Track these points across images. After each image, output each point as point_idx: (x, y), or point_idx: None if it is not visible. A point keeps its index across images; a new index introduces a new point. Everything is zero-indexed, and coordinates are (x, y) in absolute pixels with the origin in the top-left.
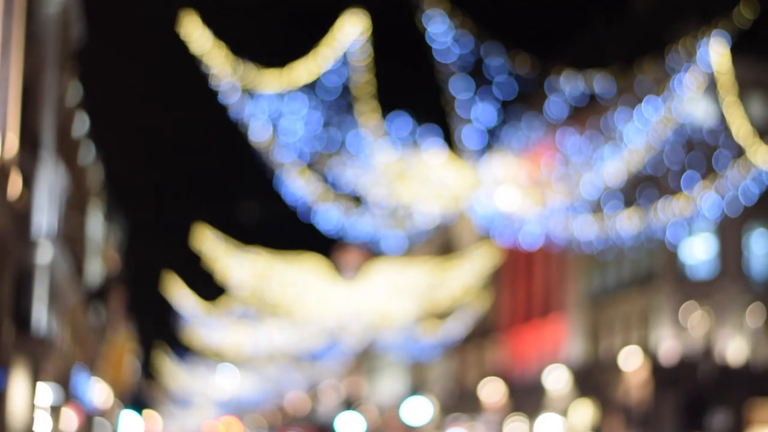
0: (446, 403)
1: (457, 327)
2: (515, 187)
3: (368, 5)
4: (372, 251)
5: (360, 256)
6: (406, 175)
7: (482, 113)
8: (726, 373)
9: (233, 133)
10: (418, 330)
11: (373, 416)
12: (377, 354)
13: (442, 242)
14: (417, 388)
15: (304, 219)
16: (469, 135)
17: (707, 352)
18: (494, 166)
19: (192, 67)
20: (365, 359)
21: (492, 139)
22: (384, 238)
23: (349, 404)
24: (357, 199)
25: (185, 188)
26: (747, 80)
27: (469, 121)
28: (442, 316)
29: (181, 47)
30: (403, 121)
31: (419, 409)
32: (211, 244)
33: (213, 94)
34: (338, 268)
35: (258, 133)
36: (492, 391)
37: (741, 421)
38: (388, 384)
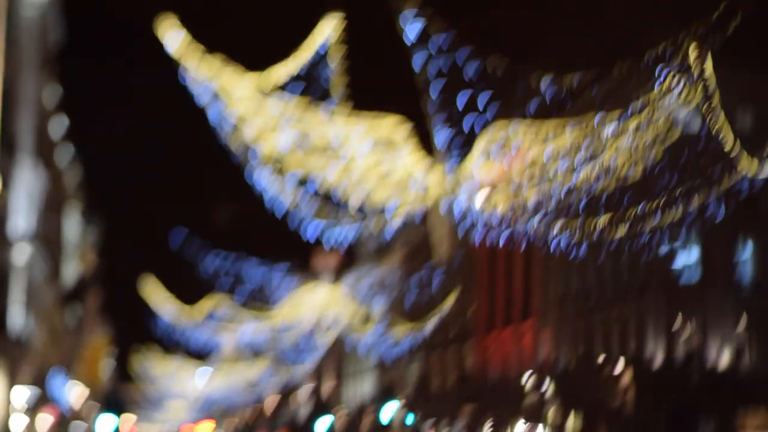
0: (417, 406)
1: (431, 329)
2: (493, 189)
3: (342, 6)
4: (347, 252)
5: (335, 257)
6: (382, 176)
7: (459, 114)
8: (712, 380)
9: (210, 135)
10: (391, 332)
11: (343, 417)
12: (350, 355)
13: (418, 244)
14: (388, 390)
15: (280, 220)
16: (445, 136)
17: (692, 359)
18: (471, 167)
19: (169, 68)
20: (338, 361)
21: (469, 140)
22: (359, 239)
23: (321, 405)
24: (332, 200)
25: (163, 190)
26: (731, 87)
27: (445, 122)
28: (416, 318)
29: (160, 49)
30: (378, 123)
31: (388, 411)
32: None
33: (191, 96)
34: (314, 269)
35: (233, 136)
36: (467, 395)
37: (727, 429)
38: (359, 385)
